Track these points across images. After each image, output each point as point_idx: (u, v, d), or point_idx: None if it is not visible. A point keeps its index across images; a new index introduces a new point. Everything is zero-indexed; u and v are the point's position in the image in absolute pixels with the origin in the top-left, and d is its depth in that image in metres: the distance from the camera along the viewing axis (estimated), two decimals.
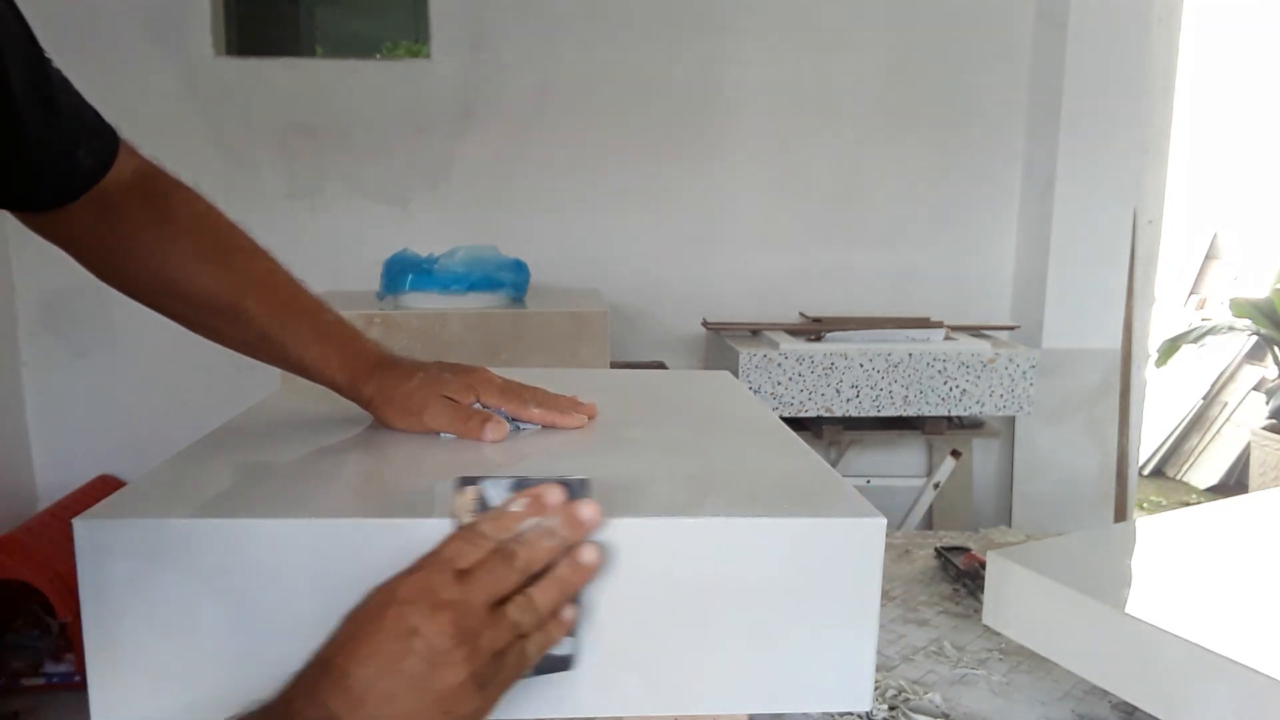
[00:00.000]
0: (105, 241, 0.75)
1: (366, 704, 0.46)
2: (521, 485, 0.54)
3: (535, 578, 0.52)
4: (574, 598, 0.54)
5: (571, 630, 0.55)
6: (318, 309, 0.78)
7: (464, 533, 0.52)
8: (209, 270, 0.75)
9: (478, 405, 0.75)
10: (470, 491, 0.54)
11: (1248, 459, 4.36)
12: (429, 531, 0.56)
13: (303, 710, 0.46)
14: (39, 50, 0.66)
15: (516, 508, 0.53)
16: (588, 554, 0.54)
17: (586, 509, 0.54)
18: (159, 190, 0.77)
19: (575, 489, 0.54)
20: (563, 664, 0.55)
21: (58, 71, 0.69)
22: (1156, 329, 3.52)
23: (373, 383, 0.76)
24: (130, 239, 0.75)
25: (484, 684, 0.49)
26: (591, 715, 0.58)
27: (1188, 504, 4.04)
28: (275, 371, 0.85)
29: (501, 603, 0.51)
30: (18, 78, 0.63)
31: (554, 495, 0.53)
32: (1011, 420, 2.97)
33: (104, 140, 0.74)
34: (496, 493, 0.54)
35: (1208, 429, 4.69)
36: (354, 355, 0.77)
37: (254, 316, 0.75)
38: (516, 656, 0.51)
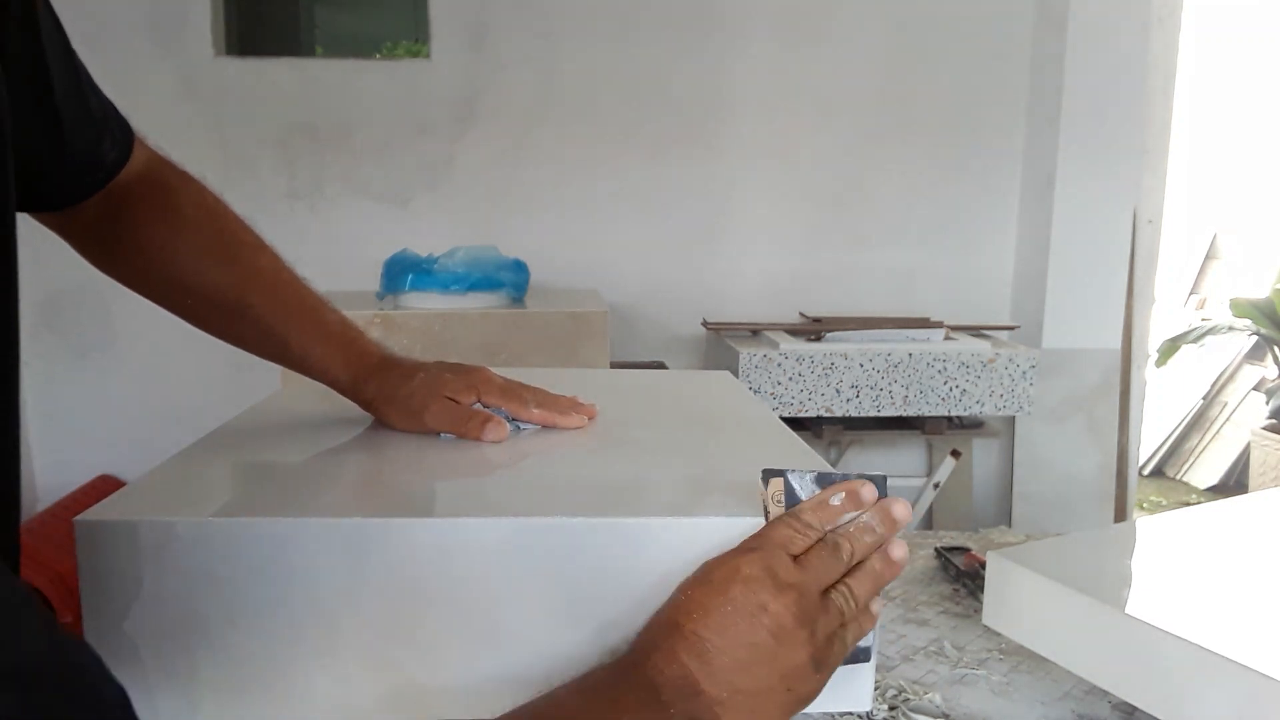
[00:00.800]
0: (113, 233, 0.75)
1: (722, 670, 0.49)
2: (823, 479, 0.56)
3: (851, 570, 0.54)
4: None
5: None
6: (321, 308, 0.78)
7: (790, 520, 0.54)
8: (214, 266, 0.75)
9: (478, 405, 0.75)
10: (776, 483, 0.56)
11: (1248, 459, 4.36)
12: (429, 531, 0.56)
13: (661, 666, 0.49)
14: (69, 45, 0.66)
15: (835, 501, 0.55)
16: (898, 550, 0.55)
17: (899, 507, 0.55)
18: (167, 183, 0.77)
19: (880, 486, 0.56)
20: (864, 656, 0.57)
21: (82, 65, 0.69)
22: (1156, 329, 3.52)
23: (374, 383, 0.76)
24: (136, 231, 0.75)
25: (820, 666, 0.51)
26: None
27: (1188, 504, 4.04)
28: (275, 371, 0.85)
29: (826, 591, 0.53)
30: (58, 75, 0.63)
31: (869, 491, 0.55)
32: (1011, 420, 2.97)
33: (123, 132, 0.74)
34: (801, 485, 0.56)
35: (1208, 429, 4.69)
36: (356, 355, 0.77)
37: (258, 314, 0.75)
38: (840, 644, 0.53)
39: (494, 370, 0.79)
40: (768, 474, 0.57)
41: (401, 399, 0.75)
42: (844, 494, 0.55)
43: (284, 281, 0.77)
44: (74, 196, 0.72)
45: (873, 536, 0.54)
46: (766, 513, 0.56)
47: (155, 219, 0.75)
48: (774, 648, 0.49)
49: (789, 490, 0.56)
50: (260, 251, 0.78)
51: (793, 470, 0.56)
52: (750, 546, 0.53)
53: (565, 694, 0.50)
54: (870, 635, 0.57)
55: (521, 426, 0.76)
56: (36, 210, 0.71)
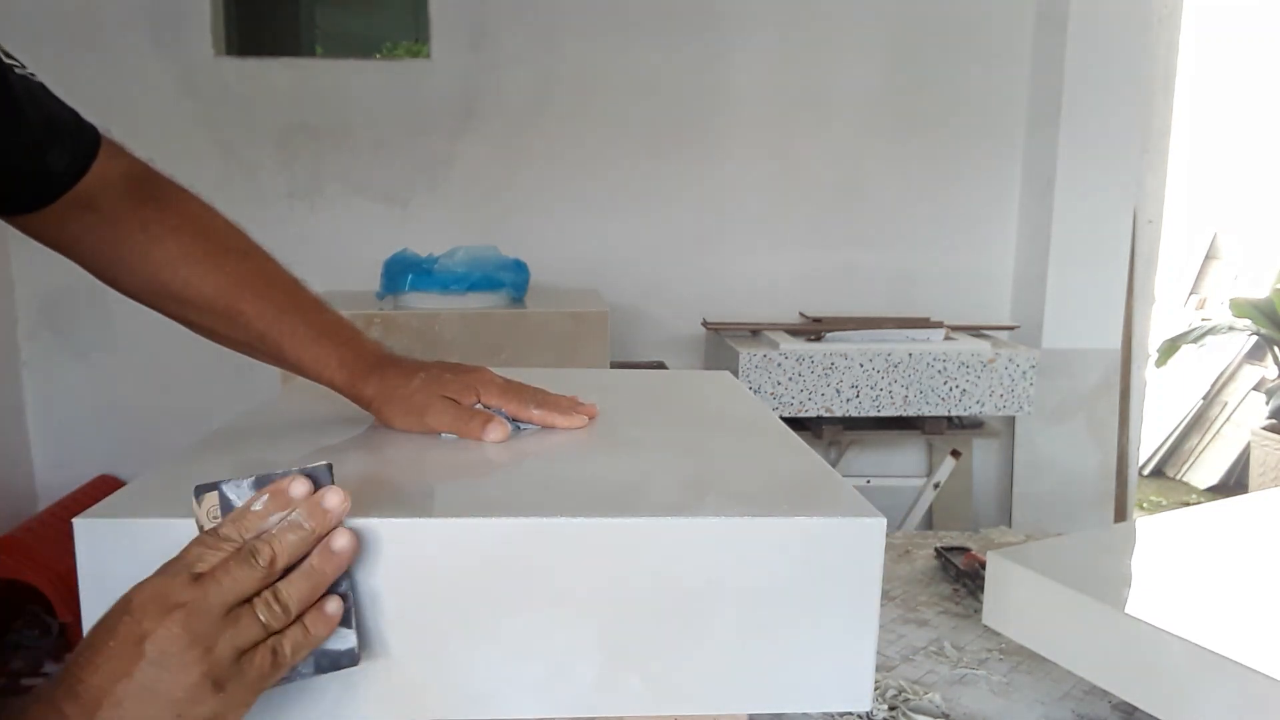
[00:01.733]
0: (97, 245, 0.75)
1: (97, 711, 0.46)
2: (263, 482, 0.52)
3: (288, 573, 0.51)
4: (339, 589, 0.53)
5: (349, 623, 0.53)
6: (316, 308, 0.78)
7: (204, 537, 0.51)
8: (201, 272, 0.75)
9: (479, 406, 0.75)
10: (210, 498, 0.53)
11: (1248, 459, 4.36)
12: (429, 532, 0.56)
13: (39, 716, 0.46)
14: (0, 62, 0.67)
15: (258, 506, 0.52)
16: (339, 541, 0.52)
17: (331, 496, 0.52)
18: (149, 193, 0.77)
19: (320, 477, 0.53)
20: (346, 659, 0.54)
21: (22, 77, 0.70)
22: (1156, 329, 3.52)
23: (373, 383, 0.76)
24: (120, 242, 0.75)
25: (223, 684, 0.48)
26: (591, 715, 0.58)
27: (1188, 504, 4.04)
28: (275, 371, 0.85)
29: (247, 603, 0.50)
30: None
31: (298, 487, 0.52)
32: (1011, 420, 2.97)
33: (81, 142, 0.74)
34: (238, 494, 0.52)
35: (1208, 429, 4.69)
36: (353, 355, 0.77)
37: (250, 318, 0.75)
38: (268, 655, 0.50)
39: (494, 370, 0.79)
40: (200, 489, 0.53)
41: (402, 399, 0.75)
42: (267, 496, 0.52)
43: (277, 284, 0.77)
44: (22, 204, 0.72)
45: (299, 534, 0.51)
46: (202, 531, 0.52)
47: (136, 230, 0.75)
48: (156, 676, 0.47)
49: (224, 503, 0.52)
50: (250, 256, 0.77)
51: (228, 480, 0.52)
52: (154, 573, 0.50)
53: None
54: (350, 636, 0.53)
55: (522, 426, 0.76)
56: None
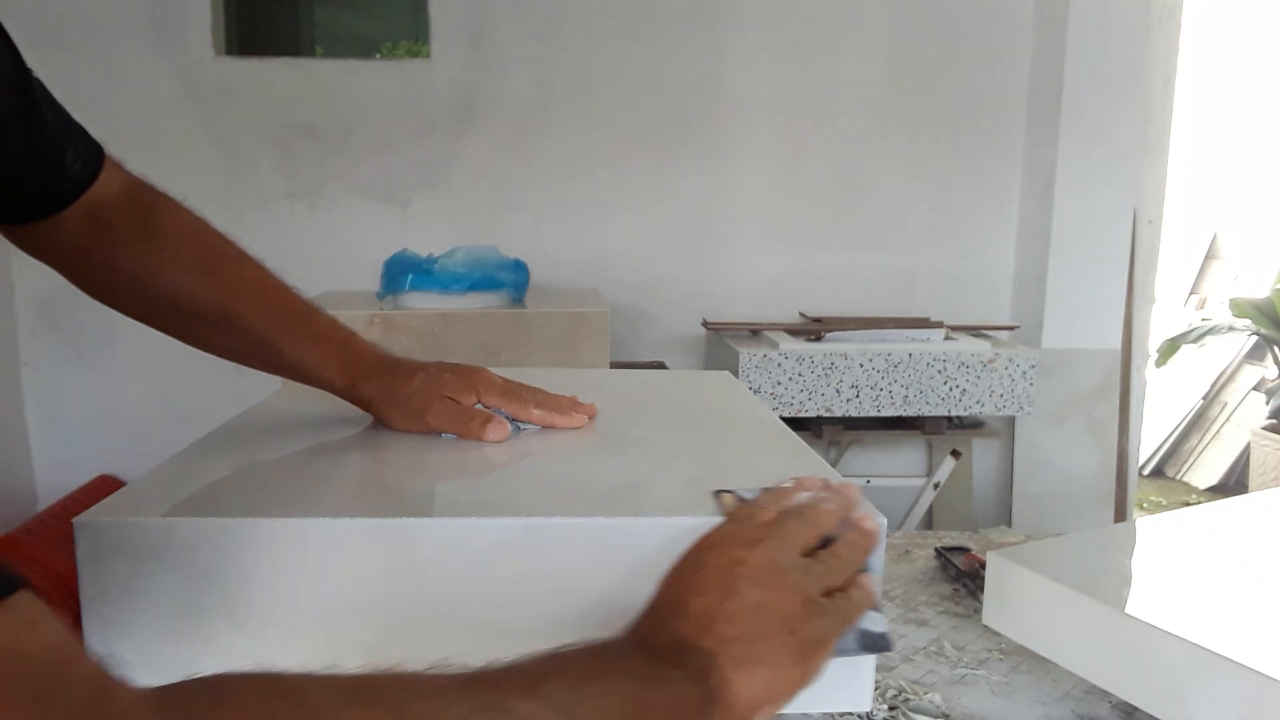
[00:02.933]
0: (94, 256, 0.76)
1: (714, 624, 0.49)
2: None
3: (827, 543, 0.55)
4: (864, 566, 0.56)
5: (878, 607, 0.56)
6: (311, 313, 0.78)
7: (744, 505, 0.56)
8: (197, 280, 0.75)
9: (479, 406, 0.75)
10: (729, 497, 0.59)
11: (1248, 459, 4.36)
12: (428, 532, 0.56)
13: (650, 638, 0.50)
14: (21, 62, 0.67)
15: (785, 486, 0.57)
16: (870, 521, 0.56)
17: (848, 488, 0.57)
18: (145, 205, 0.77)
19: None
20: (883, 642, 0.56)
21: (39, 82, 0.70)
22: (1156, 329, 3.52)
23: (372, 384, 0.76)
24: (117, 252, 0.75)
25: (821, 611, 0.51)
26: None
27: (1188, 504, 4.04)
28: None
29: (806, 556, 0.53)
30: (1, 91, 0.64)
31: (812, 480, 0.58)
32: (1011, 420, 2.97)
33: (91, 150, 0.75)
34: (750, 496, 0.58)
35: (1208, 429, 4.69)
36: (351, 357, 0.77)
37: (246, 324, 0.75)
38: (842, 603, 0.52)
39: (494, 370, 0.79)
40: (719, 492, 0.60)
41: (402, 399, 0.75)
42: (795, 483, 0.58)
43: (271, 290, 0.78)
44: (38, 210, 0.72)
45: (832, 504, 0.55)
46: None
47: (134, 240, 0.75)
48: (760, 595, 0.49)
49: (740, 501, 0.58)
50: (244, 263, 0.78)
51: (741, 488, 0.59)
52: (715, 529, 0.54)
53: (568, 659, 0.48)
54: (883, 621, 0.56)
55: (522, 426, 0.76)
56: (3, 222, 0.72)
